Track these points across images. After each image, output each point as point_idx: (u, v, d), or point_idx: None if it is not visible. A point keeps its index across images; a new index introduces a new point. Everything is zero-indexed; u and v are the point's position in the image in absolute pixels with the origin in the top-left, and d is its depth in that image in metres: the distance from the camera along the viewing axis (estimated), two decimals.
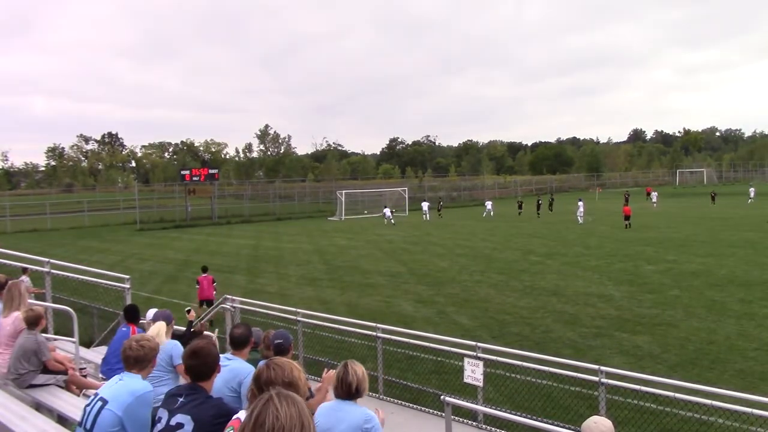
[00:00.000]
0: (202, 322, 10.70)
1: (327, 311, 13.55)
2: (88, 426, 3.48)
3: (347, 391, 3.58)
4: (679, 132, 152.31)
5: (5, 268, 11.01)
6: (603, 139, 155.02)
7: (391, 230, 37.77)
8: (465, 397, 7.83)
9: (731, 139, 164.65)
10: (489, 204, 46.73)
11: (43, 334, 6.42)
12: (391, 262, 24.20)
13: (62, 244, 32.96)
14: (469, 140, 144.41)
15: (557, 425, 5.86)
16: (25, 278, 11.91)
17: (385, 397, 9.16)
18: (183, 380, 3.60)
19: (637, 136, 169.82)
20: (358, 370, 3.64)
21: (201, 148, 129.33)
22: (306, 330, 10.90)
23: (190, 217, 47.69)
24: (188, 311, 7.62)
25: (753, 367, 10.68)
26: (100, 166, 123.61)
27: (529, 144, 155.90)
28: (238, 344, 4.77)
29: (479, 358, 7.80)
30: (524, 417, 6.37)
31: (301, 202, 58.96)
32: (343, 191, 50.59)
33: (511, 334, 13.20)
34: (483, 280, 19.48)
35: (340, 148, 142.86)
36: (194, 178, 47.97)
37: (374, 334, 9.45)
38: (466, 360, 7.82)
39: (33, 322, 5.94)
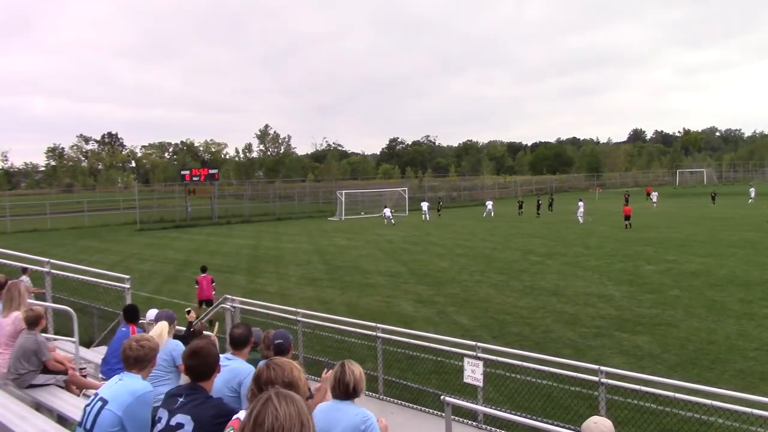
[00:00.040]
0: (201, 321, 10.69)
1: (327, 311, 13.55)
2: (88, 426, 3.48)
3: (344, 391, 3.58)
4: (679, 132, 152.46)
5: (5, 268, 11.01)
6: (603, 139, 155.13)
7: (391, 230, 37.77)
8: (465, 397, 7.83)
9: (731, 139, 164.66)
10: (490, 204, 46.72)
11: (43, 334, 6.41)
12: (391, 262, 24.20)
13: (62, 244, 32.96)
14: (469, 140, 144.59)
15: (557, 425, 5.86)
16: (25, 278, 11.91)
17: (385, 397, 9.16)
18: (185, 380, 3.60)
19: (637, 136, 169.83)
20: (356, 369, 3.63)
21: (201, 148, 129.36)
22: (306, 330, 10.90)
23: (190, 217, 47.69)
24: (188, 312, 7.62)
25: (753, 367, 10.68)
26: (100, 166, 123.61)
27: (529, 144, 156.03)
28: (238, 344, 4.77)
29: (479, 358, 7.79)
30: (524, 417, 6.37)
31: (301, 202, 58.95)
32: (343, 191, 50.59)
33: (511, 334, 13.20)
34: (483, 280, 19.48)
35: (340, 148, 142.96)
36: (194, 178, 47.97)
37: (374, 334, 9.45)
38: (466, 360, 7.82)
39: (33, 322, 5.94)
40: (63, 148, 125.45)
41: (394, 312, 15.54)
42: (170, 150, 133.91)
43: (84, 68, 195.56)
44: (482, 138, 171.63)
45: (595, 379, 7.10)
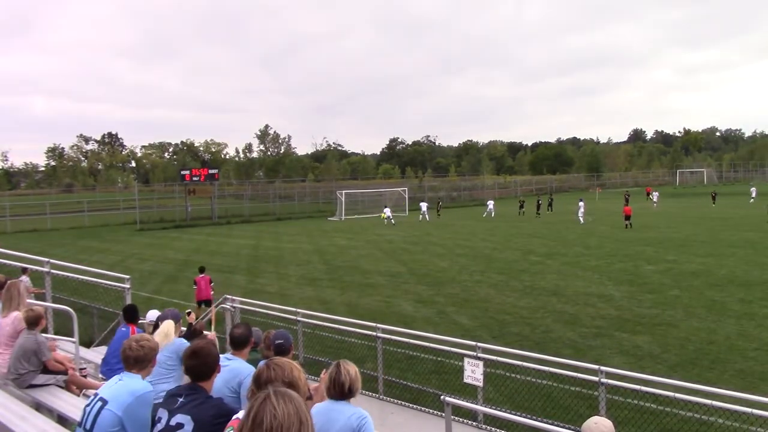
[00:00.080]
0: (201, 322, 10.69)
1: (327, 311, 13.55)
2: (87, 426, 3.48)
3: (340, 391, 3.57)
4: (679, 132, 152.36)
5: (5, 268, 11.01)
6: (603, 139, 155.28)
7: (391, 230, 37.77)
8: (465, 397, 7.83)
9: (731, 139, 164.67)
10: (490, 204, 46.71)
11: (43, 334, 6.41)
12: (391, 262, 24.20)
13: (62, 244, 32.96)
14: (469, 140, 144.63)
15: (557, 425, 5.86)
16: (25, 278, 11.90)
17: (385, 397, 9.16)
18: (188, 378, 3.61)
19: (637, 136, 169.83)
20: (351, 369, 3.62)
21: (201, 148, 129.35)
22: (306, 330, 10.91)
23: (190, 217, 47.69)
24: (188, 313, 7.62)
25: (753, 367, 10.68)
26: (100, 166, 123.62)
27: (529, 144, 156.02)
28: (238, 344, 4.77)
29: (479, 358, 7.80)
30: (524, 417, 6.38)
31: (301, 202, 58.95)
32: (343, 191, 50.59)
33: (511, 334, 13.20)
34: (483, 280, 19.48)
35: (340, 148, 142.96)
36: (194, 178, 47.96)
37: (374, 334, 9.46)
38: (466, 360, 7.83)
39: (33, 322, 5.94)
40: (63, 148, 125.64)
41: (394, 312, 15.54)
42: (170, 150, 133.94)
43: (84, 68, 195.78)
44: (482, 138, 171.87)
45: (595, 379, 7.11)
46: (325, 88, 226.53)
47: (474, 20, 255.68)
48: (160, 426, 3.27)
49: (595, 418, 3.14)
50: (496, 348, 8.48)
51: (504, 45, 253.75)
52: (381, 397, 9.17)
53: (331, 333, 11.27)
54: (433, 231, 36.02)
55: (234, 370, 4.40)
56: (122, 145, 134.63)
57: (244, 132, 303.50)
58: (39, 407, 5.58)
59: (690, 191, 72.31)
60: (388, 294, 17.90)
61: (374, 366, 9.47)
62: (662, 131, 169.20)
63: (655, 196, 50.93)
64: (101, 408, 3.48)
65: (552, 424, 5.85)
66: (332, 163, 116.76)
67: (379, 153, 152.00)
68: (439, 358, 10.14)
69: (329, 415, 3.49)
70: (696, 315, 14.25)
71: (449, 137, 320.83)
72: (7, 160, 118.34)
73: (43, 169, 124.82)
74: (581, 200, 38.93)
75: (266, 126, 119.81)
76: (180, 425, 3.20)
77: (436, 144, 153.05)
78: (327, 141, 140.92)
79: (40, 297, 10.44)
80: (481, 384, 7.75)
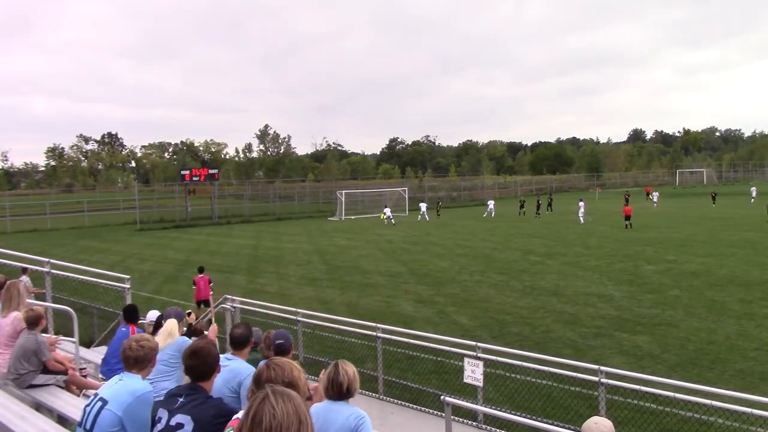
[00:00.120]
0: (201, 322, 10.70)
1: (327, 311, 13.55)
2: (87, 426, 3.48)
3: (338, 392, 3.57)
4: (679, 132, 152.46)
5: (5, 268, 11.02)
6: (603, 139, 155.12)
7: (391, 230, 37.78)
8: (465, 397, 7.83)
9: (731, 139, 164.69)
10: (491, 203, 46.72)
11: (43, 334, 6.41)
12: (391, 262, 24.20)
13: (62, 244, 32.97)
14: (469, 140, 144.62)
15: (557, 425, 5.86)
16: (25, 278, 11.91)
17: (385, 397, 9.16)
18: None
19: (637, 136, 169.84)
20: (349, 370, 3.62)
21: (201, 148, 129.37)
22: (306, 330, 10.91)
23: (190, 217, 47.69)
24: (188, 314, 7.63)
25: (753, 367, 10.68)
26: (100, 166, 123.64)
27: (529, 144, 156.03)
28: (238, 344, 4.77)
29: (479, 358, 7.80)
30: (524, 417, 6.38)
31: (301, 202, 58.95)
32: (343, 191, 50.59)
33: (511, 334, 13.20)
34: (483, 280, 19.48)
35: (340, 148, 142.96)
36: (194, 178, 47.96)
37: (374, 334, 9.46)
38: (466, 360, 7.83)
39: (33, 322, 5.94)
40: (63, 148, 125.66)
41: (394, 312, 15.54)
42: (170, 150, 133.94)
43: (84, 68, 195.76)
44: (482, 138, 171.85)
45: (595, 379, 7.11)
46: (325, 88, 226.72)
47: (474, 20, 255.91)
48: (160, 426, 3.27)
49: (595, 418, 3.14)
50: (496, 348, 8.48)
51: (504, 45, 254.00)
52: (381, 397, 9.17)
53: (331, 333, 11.27)
54: (433, 231, 36.03)
55: (234, 370, 4.40)
56: (122, 145, 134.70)
57: (244, 132, 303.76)
58: (39, 407, 5.58)
59: (690, 191, 72.32)
60: (388, 294, 17.90)
61: (374, 366, 9.48)
62: (662, 131, 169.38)
63: (655, 196, 50.94)
64: (101, 408, 3.48)
65: (552, 424, 5.85)
66: (332, 163, 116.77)
67: (379, 153, 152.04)
68: (439, 358, 10.14)
69: (327, 416, 3.49)
70: (696, 315, 14.25)
71: (449, 137, 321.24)
72: (7, 160, 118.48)
73: (43, 169, 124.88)
74: (581, 200, 38.93)
75: (266, 126, 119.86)
76: (180, 425, 3.20)
77: (436, 144, 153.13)
78: (327, 141, 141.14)
79: (40, 297, 10.44)
80: (481, 384, 7.75)
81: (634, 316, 14.41)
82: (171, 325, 5.43)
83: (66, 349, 7.61)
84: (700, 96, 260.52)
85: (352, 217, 47.89)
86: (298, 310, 10.80)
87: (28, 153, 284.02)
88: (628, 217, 33.39)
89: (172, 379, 4.99)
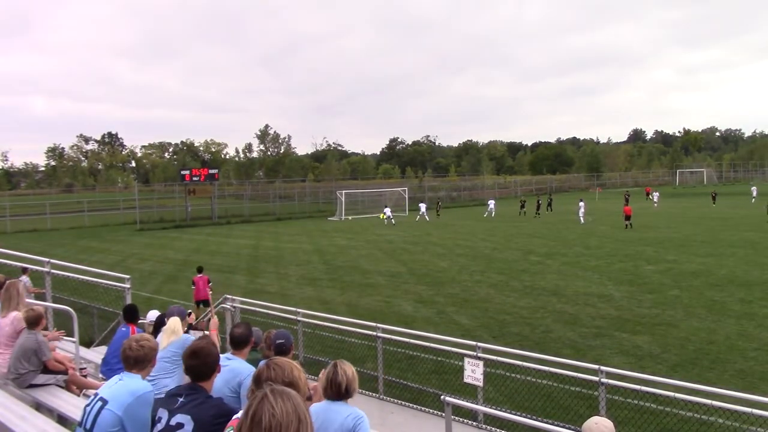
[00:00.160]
0: (202, 321, 10.70)
1: (327, 311, 13.54)
2: (88, 426, 3.48)
3: (337, 392, 3.56)
4: (679, 132, 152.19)
5: (5, 268, 11.01)
6: (603, 139, 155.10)
7: (391, 230, 37.77)
8: (465, 397, 7.83)
9: (731, 139, 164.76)
10: (492, 203, 46.74)
11: (44, 331, 6.41)
12: (391, 262, 24.20)
13: (62, 244, 32.97)
14: (469, 140, 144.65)
15: (557, 425, 5.86)
16: (25, 278, 11.91)
17: (385, 397, 9.16)
18: None
19: (637, 136, 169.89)
20: (348, 370, 3.61)
21: (201, 148, 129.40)
22: (306, 330, 10.91)
23: (190, 217, 47.69)
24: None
25: (753, 367, 10.68)
26: (100, 166, 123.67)
27: (529, 144, 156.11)
28: (238, 344, 4.77)
29: (479, 358, 7.80)
30: (524, 417, 6.37)
31: (301, 202, 58.93)
32: (343, 191, 50.59)
33: (511, 334, 13.21)
34: (483, 280, 19.48)
35: (340, 148, 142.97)
36: (194, 178, 47.96)
37: (374, 334, 9.46)
38: (466, 360, 7.83)
39: (33, 321, 5.94)
40: (63, 148, 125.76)
41: (394, 312, 15.54)
42: (170, 150, 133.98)
43: (84, 68, 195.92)
44: (482, 138, 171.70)
45: (595, 379, 7.11)
46: (325, 88, 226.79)
47: (474, 20, 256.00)
48: (160, 426, 3.27)
49: (595, 418, 3.14)
50: (496, 348, 8.48)
51: (504, 45, 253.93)
52: (381, 397, 9.17)
53: (331, 333, 11.27)
54: (433, 231, 36.03)
55: (234, 370, 4.40)
56: (122, 145, 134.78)
57: (244, 132, 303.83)
58: (39, 407, 5.57)
59: (690, 191, 72.31)
60: (388, 294, 17.90)
61: (374, 366, 9.48)
62: (662, 131, 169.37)
63: (655, 196, 50.93)
64: (101, 408, 3.48)
65: (552, 424, 5.84)
66: (332, 163, 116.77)
67: (379, 153, 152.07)
68: (439, 358, 10.14)
69: (326, 416, 3.49)
70: (696, 315, 14.25)
71: (449, 137, 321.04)
72: (7, 160, 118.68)
73: (43, 169, 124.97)
74: (581, 200, 38.92)
75: (266, 126, 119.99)
76: (180, 425, 3.20)
77: (436, 144, 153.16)
78: (327, 141, 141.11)
79: (40, 297, 10.44)
80: (481, 384, 7.75)
81: (634, 316, 14.41)
82: (174, 322, 5.43)
83: (66, 349, 7.61)
84: (700, 96, 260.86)
85: (350, 218, 47.88)
86: (298, 310, 10.80)
87: (28, 153, 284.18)
88: (628, 217, 33.39)
89: (174, 377, 4.99)
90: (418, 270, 21.90)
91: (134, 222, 45.26)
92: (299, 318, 10.57)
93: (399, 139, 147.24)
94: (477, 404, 7.46)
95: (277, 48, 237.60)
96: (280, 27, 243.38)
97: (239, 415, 3.04)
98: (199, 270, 15.64)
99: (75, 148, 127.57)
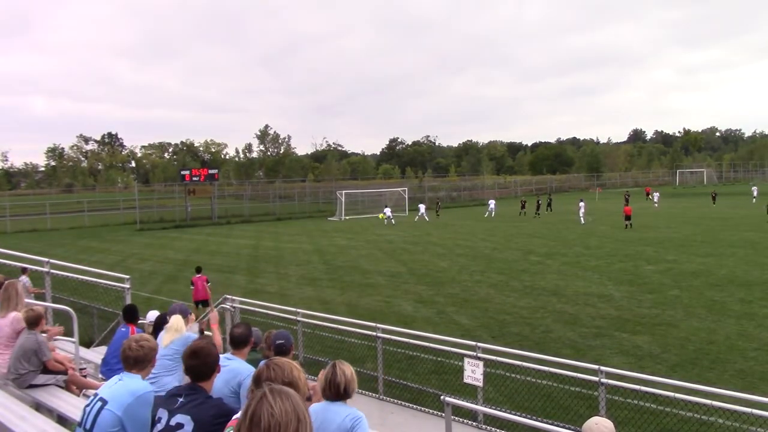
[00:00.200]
0: (203, 321, 10.70)
1: (327, 311, 13.54)
2: (87, 426, 3.47)
3: (336, 392, 3.56)
4: (679, 132, 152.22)
5: (5, 268, 11.01)
6: (603, 139, 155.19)
7: (391, 230, 37.77)
8: (465, 397, 7.83)
9: (731, 139, 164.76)
10: (492, 203, 46.77)
11: (43, 334, 6.41)
12: (391, 262, 24.20)
13: (62, 244, 32.96)
14: (469, 140, 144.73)
15: (557, 425, 5.86)
16: (24, 278, 11.91)
17: (385, 397, 9.16)
18: None
19: (637, 136, 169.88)
20: (347, 370, 3.60)
21: (201, 148, 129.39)
22: (306, 330, 10.91)
23: (190, 217, 47.68)
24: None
25: (753, 367, 10.68)
26: (100, 167, 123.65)
27: (529, 144, 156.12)
28: (238, 344, 4.77)
29: (479, 358, 7.80)
30: (524, 417, 6.37)
31: (301, 202, 58.93)
32: (343, 191, 50.59)
33: (511, 334, 13.20)
34: (483, 280, 19.47)
35: (340, 148, 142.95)
36: (194, 178, 47.97)
37: (374, 334, 9.46)
38: (466, 360, 7.82)
39: (33, 321, 5.94)
40: (63, 148, 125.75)
41: (394, 312, 15.54)
42: (170, 150, 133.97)
43: (84, 68, 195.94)
44: (482, 138, 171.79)
45: (595, 379, 7.11)
46: (325, 88, 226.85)
47: (474, 20, 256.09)
48: (160, 426, 3.27)
49: (595, 419, 3.14)
50: (496, 348, 8.48)
51: (504, 45, 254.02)
52: (381, 397, 9.17)
53: (331, 333, 11.26)
54: (433, 231, 36.02)
55: (234, 370, 4.40)
56: (122, 145, 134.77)
57: (244, 132, 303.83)
58: (39, 407, 5.57)
59: (690, 191, 72.31)
60: (388, 294, 17.90)
61: (374, 366, 9.48)
62: (662, 131, 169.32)
63: (655, 196, 50.91)
64: (101, 408, 3.48)
65: (552, 424, 5.84)
66: (332, 163, 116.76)
67: (379, 153, 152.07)
68: (439, 358, 10.14)
69: (324, 416, 3.48)
70: (696, 315, 14.24)
71: (449, 137, 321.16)
72: (7, 160, 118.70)
73: (43, 169, 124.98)
74: (582, 201, 38.91)
75: (266, 126, 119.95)
76: (180, 425, 3.20)
77: (436, 144, 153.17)
78: (327, 141, 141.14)
79: (40, 297, 10.44)
80: (481, 384, 7.75)
81: (634, 316, 14.41)
82: (177, 320, 5.43)
83: (66, 349, 7.61)
84: (700, 96, 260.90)
85: (348, 218, 47.87)
86: (298, 310, 10.80)
87: (28, 153, 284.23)
88: (628, 217, 33.39)
89: (175, 374, 4.99)
90: (418, 270, 21.89)
91: (134, 222, 45.26)
92: (299, 318, 10.57)
93: (399, 139, 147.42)
94: (477, 404, 7.46)
95: (277, 48, 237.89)
96: (280, 27, 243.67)
97: (239, 415, 3.04)
98: (198, 270, 15.62)
99: (75, 148, 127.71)
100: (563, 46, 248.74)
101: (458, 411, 7.53)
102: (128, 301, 9.00)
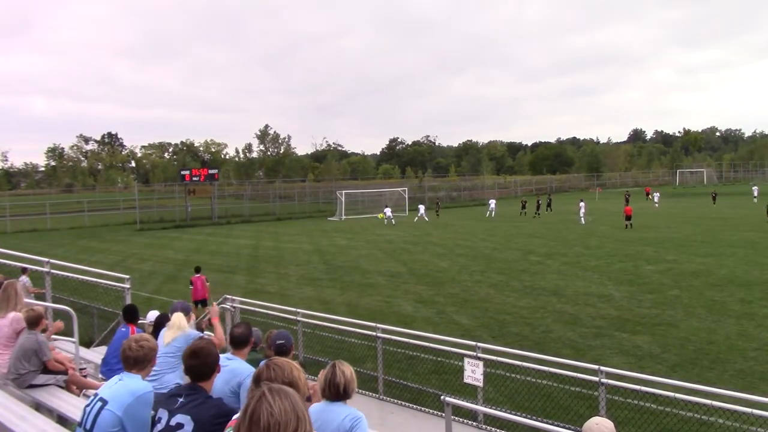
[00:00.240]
0: (204, 320, 10.70)
1: (327, 311, 13.54)
2: (87, 426, 3.47)
3: (335, 393, 3.55)
4: (679, 132, 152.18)
5: (5, 268, 11.01)
6: (603, 139, 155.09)
7: (391, 230, 37.77)
8: (465, 397, 7.83)
9: (731, 139, 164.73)
10: (493, 203, 46.79)
11: (43, 334, 6.41)
12: (391, 262, 24.20)
13: (62, 244, 32.96)
14: (469, 140, 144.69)
15: (557, 425, 5.86)
16: (24, 278, 11.91)
17: (385, 397, 9.16)
18: None
19: (637, 136, 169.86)
20: (346, 370, 3.60)
21: (201, 148, 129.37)
22: (306, 330, 10.91)
23: (190, 217, 47.68)
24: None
25: (753, 367, 10.68)
26: (99, 167, 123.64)
27: (529, 144, 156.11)
28: (238, 344, 4.77)
29: (479, 358, 7.79)
30: (524, 417, 6.37)
31: (301, 202, 58.93)
32: (343, 191, 50.59)
33: (511, 334, 13.20)
34: (483, 280, 19.47)
35: (340, 148, 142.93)
36: (194, 178, 47.97)
37: (374, 334, 9.46)
38: (466, 360, 7.82)
39: (33, 321, 5.94)
40: (63, 148, 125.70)
41: (394, 312, 15.54)
42: (170, 150, 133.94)
43: (84, 68, 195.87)
44: (482, 138, 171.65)
45: (595, 379, 7.11)
46: (325, 88, 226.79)
47: (474, 20, 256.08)
48: (160, 426, 3.27)
49: (596, 419, 3.14)
50: (496, 348, 8.48)
51: (504, 45, 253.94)
52: (381, 397, 9.17)
53: (331, 333, 11.26)
54: (433, 231, 36.02)
55: (234, 370, 4.40)
56: (122, 145, 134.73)
57: (244, 132, 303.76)
58: (39, 407, 5.57)
59: (690, 191, 72.30)
60: (388, 294, 17.90)
61: (374, 366, 9.48)
62: (662, 131, 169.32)
63: (656, 196, 50.91)
64: (101, 408, 3.48)
65: (552, 424, 5.84)
66: (332, 163, 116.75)
67: (379, 153, 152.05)
68: (439, 358, 10.14)
69: (324, 416, 3.48)
70: (696, 315, 14.24)
71: (449, 137, 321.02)
72: (7, 160, 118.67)
73: (43, 169, 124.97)
74: (582, 201, 38.90)
75: (266, 126, 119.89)
76: (180, 425, 3.19)
77: (436, 144, 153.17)
78: (327, 141, 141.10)
79: (40, 297, 10.44)
80: (481, 384, 7.75)
81: (634, 316, 14.41)
82: (179, 318, 5.43)
83: (66, 349, 7.61)
84: (700, 96, 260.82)
85: (348, 218, 47.87)
86: (298, 310, 10.80)
87: (28, 153, 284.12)
88: (628, 217, 33.39)
89: (177, 371, 4.99)
90: (418, 270, 21.89)
91: (134, 222, 45.26)
92: (299, 318, 10.57)
93: (399, 139, 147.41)
94: (477, 404, 7.46)
95: (277, 48, 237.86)
96: (280, 27, 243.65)
97: (239, 415, 3.04)
98: (197, 270, 15.64)
99: (75, 148, 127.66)
100: (563, 46, 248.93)
101: (458, 411, 7.53)
102: (128, 301, 9.00)
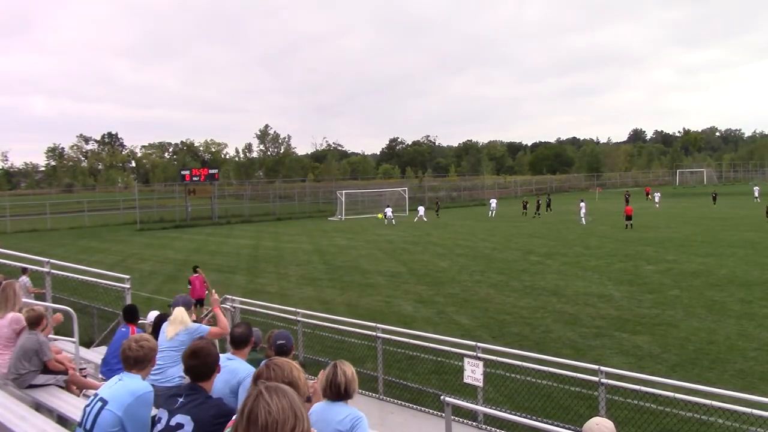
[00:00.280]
0: (206, 319, 10.69)
1: (327, 311, 13.55)
2: (87, 426, 3.48)
3: (336, 392, 3.55)
4: (679, 132, 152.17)
5: (5, 268, 11.01)
6: (603, 139, 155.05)
7: (391, 230, 37.77)
8: (465, 397, 7.83)
9: (731, 139, 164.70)
10: (494, 202, 46.80)
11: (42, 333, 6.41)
12: (391, 262, 24.20)
13: (62, 244, 32.96)
14: (469, 140, 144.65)
15: (557, 425, 5.86)
16: (24, 278, 11.91)
17: (385, 397, 9.16)
18: None
19: (637, 136, 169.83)
20: (347, 370, 3.60)
21: (201, 148, 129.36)
22: (306, 330, 10.91)
23: (190, 217, 47.68)
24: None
25: (753, 367, 10.68)
26: (100, 166, 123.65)
27: (529, 144, 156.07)
28: (238, 343, 4.77)
29: (479, 358, 7.80)
30: (524, 417, 6.37)
31: (301, 202, 58.92)
32: (343, 191, 50.59)
33: (511, 334, 13.20)
34: (483, 280, 19.47)
35: (340, 148, 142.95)
36: (194, 178, 47.96)
37: (374, 334, 9.46)
38: (466, 360, 7.82)
39: (34, 322, 5.94)
40: (63, 148, 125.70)
41: (394, 312, 15.54)
42: (170, 150, 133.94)
43: (84, 68, 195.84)
44: (482, 138, 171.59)
45: (595, 379, 7.11)
46: (325, 88, 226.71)
47: (474, 20, 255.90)
48: (160, 426, 3.27)
49: (596, 419, 3.14)
50: (496, 348, 8.48)
51: (504, 45, 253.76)
52: (381, 397, 9.17)
53: (331, 333, 11.27)
54: (433, 231, 36.02)
55: (234, 370, 4.40)
56: (122, 145, 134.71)
57: (244, 132, 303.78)
58: (39, 407, 5.57)
59: (690, 191, 72.30)
60: (388, 294, 17.90)
61: (374, 366, 9.48)
62: (662, 131, 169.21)
63: (656, 196, 50.88)
64: (101, 408, 3.48)
65: (552, 424, 5.84)
66: (332, 163, 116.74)
67: (379, 153, 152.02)
68: (439, 358, 10.14)
69: (324, 416, 3.48)
70: (696, 315, 14.24)
71: (449, 137, 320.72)
72: (7, 160, 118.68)
73: (43, 169, 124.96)
74: (582, 201, 38.88)
75: (266, 126, 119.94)
76: (180, 425, 3.20)
77: (436, 144, 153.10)
78: (327, 141, 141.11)
79: (40, 297, 10.44)
80: (481, 384, 7.75)
81: (634, 316, 14.41)
82: (180, 312, 5.43)
83: (66, 349, 7.61)
84: (700, 96, 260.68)
85: (348, 218, 47.86)
86: (298, 310, 10.80)
87: (28, 153, 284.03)
88: (629, 217, 33.38)
89: (180, 365, 5.00)
90: (418, 270, 21.89)
91: (134, 222, 45.26)
92: (299, 318, 10.57)
93: (399, 139, 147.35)
94: (477, 404, 7.46)
95: (277, 48, 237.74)
96: (280, 27, 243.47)
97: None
98: (195, 269, 15.60)
99: (75, 148, 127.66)
100: (563, 46, 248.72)
101: (458, 411, 7.53)
102: (128, 301, 9.01)
